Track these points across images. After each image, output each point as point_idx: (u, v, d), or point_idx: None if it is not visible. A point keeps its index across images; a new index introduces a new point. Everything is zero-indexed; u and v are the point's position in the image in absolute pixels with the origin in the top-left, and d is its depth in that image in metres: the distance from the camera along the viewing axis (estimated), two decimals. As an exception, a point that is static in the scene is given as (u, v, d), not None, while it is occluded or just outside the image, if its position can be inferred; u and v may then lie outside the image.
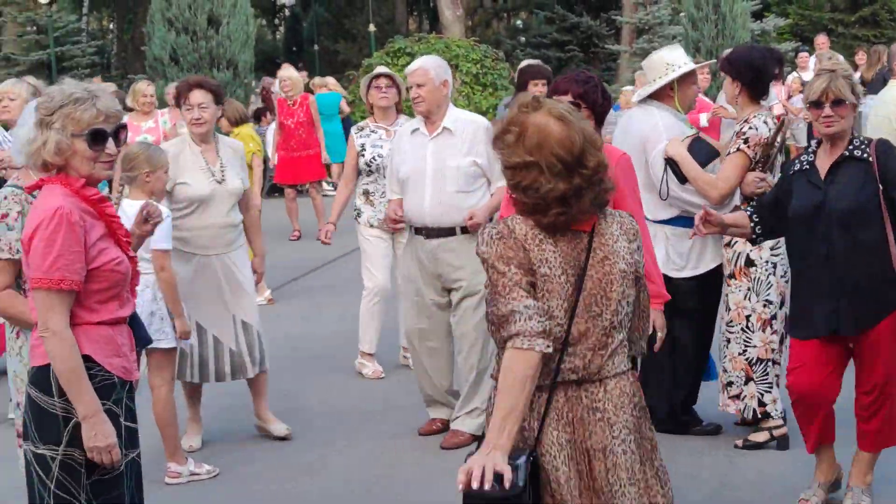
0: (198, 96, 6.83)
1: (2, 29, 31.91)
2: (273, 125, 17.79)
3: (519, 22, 43.48)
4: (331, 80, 21.42)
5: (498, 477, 3.33)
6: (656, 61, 6.83)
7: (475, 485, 3.30)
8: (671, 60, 6.76)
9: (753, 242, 5.85)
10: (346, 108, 19.30)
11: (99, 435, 3.90)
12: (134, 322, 4.29)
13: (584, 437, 3.58)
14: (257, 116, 20.23)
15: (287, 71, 16.10)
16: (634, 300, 3.67)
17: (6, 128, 7.94)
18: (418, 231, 6.89)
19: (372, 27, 32.68)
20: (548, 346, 3.43)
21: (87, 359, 3.95)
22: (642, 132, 6.73)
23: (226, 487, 6.50)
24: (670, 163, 6.54)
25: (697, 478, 6.27)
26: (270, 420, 7.23)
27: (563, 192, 3.48)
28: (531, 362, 3.42)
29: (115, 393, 4.04)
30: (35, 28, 30.02)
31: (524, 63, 10.79)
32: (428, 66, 6.94)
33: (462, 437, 6.83)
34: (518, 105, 3.59)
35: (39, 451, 3.99)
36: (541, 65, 10.46)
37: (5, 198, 4.50)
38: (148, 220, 4.64)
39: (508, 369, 3.43)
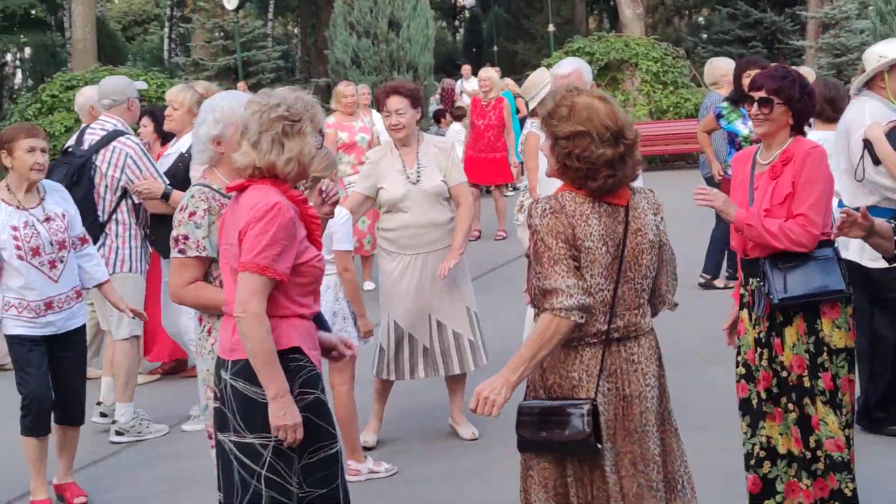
0: (395, 102, 6.92)
1: (191, 35, 32.92)
2: (453, 126, 17.90)
3: (700, 19, 42.87)
4: (508, 80, 21.45)
5: (562, 422, 4.03)
6: (870, 53, 6.78)
7: (480, 410, 3.96)
8: (883, 52, 6.69)
9: (890, 262, 5.06)
10: (523, 108, 19.31)
11: (287, 414, 4.04)
12: (319, 320, 4.43)
13: (624, 386, 4.14)
14: (437, 118, 20.39)
15: (488, 71, 16.23)
16: (657, 263, 4.22)
17: (166, 137, 8.08)
18: None
19: (551, 27, 32.63)
20: (582, 318, 3.98)
21: (296, 350, 4.16)
22: (849, 119, 6.70)
23: (400, 488, 6.54)
24: (868, 144, 6.43)
25: (882, 483, 5.99)
26: (460, 421, 7.28)
27: (610, 157, 4.02)
28: (563, 329, 3.98)
29: (320, 384, 4.25)
30: (223, 34, 30.88)
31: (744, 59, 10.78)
32: (582, 70, 7.11)
33: None
34: (565, 90, 4.16)
35: (247, 441, 4.12)
36: (758, 58, 10.49)
37: (193, 196, 4.60)
38: (325, 200, 4.73)
39: (544, 328, 3.98)
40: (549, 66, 20.58)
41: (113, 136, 7.53)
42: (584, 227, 4.02)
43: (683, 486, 4.26)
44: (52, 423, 6.39)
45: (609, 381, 4.11)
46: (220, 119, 4.59)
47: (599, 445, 4.04)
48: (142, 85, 8.93)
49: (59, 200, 6.37)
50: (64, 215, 6.31)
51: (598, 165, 4.02)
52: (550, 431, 4.05)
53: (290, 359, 4.13)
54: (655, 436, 4.18)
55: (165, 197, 7.46)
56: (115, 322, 7.63)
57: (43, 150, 6.16)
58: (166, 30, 38.31)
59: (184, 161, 7.68)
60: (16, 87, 40.10)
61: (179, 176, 7.66)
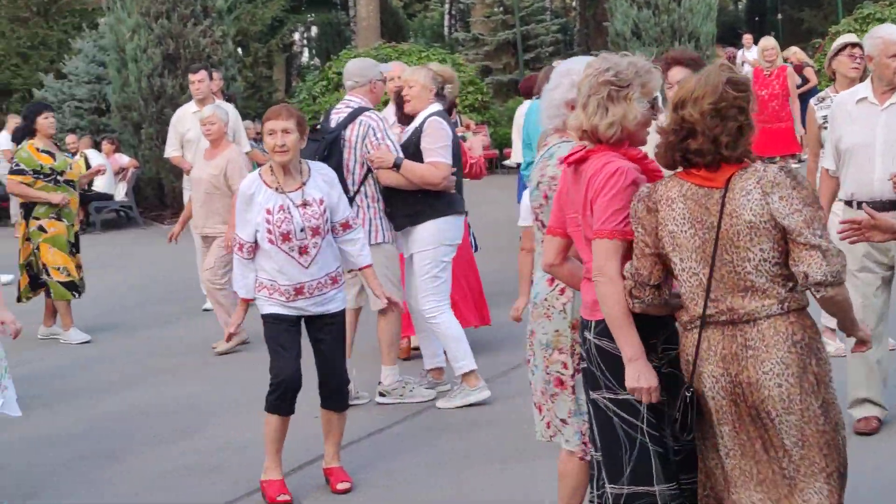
0: (676, 73, 6.72)
1: (470, 10, 33.26)
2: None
3: None
4: (794, 49, 20.70)
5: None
6: None
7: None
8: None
9: None
10: (813, 77, 18.61)
11: (642, 377, 4.14)
12: None
13: (738, 371, 4.03)
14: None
15: (770, 40, 15.87)
16: (777, 247, 3.97)
17: (407, 118, 8.14)
18: (861, 205, 6.49)
19: (839, -8, 31.33)
20: (639, 303, 4.15)
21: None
22: None
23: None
24: None
25: None
26: None
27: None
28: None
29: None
30: (502, 8, 31.04)
31: None
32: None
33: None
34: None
35: (622, 397, 4.27)
36: None
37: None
38: None
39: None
40: (837, 33, 19.78)
41: (358, 112, 7.82)
42: (667, 212, 4.08)
43: (826, 483, 4.03)
44: (319, 406, 6.38)
45: (720, 365, 4.06)
46: (576, 83, 4.55)
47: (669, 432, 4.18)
48: (387, 67, 9.09)
49: (322, 185, 6.23)
50: (322, 201, 6.18)
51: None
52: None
53: (655, 315, 4.27)
54: (792, 425, 4.00)
55: (396, 166, 7.67)
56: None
57: (285, 132, 6.03)
58: (447, 6, 38.76)
59: (416, 134, 7.86)
60: (303, 65, 41.47)
61: (411, 148, 7.82)
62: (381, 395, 8.00)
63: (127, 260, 15.87)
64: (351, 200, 7.67)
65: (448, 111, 8.24)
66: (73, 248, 10.60)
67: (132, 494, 6.62)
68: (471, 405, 7.72)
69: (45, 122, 10.51)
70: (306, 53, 42.87)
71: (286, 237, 6.10)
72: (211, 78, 11.70)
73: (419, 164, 7.71)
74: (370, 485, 6.46)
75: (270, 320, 6.20)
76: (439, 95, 8.00)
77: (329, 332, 6.27)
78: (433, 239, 7.75)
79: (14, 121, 17.73)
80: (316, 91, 23.99)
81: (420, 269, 7.81)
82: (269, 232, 6.09)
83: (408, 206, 7.80)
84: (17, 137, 13.68)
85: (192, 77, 11.46)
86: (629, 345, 4.16)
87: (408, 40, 31.14)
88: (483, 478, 6.42)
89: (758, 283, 4.00)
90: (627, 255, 4.23)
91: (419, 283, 7.84)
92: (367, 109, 7.87)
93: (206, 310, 11.38)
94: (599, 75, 4.28)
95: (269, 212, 6.10)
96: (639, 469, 4.25)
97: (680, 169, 4.15)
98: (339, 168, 7.62)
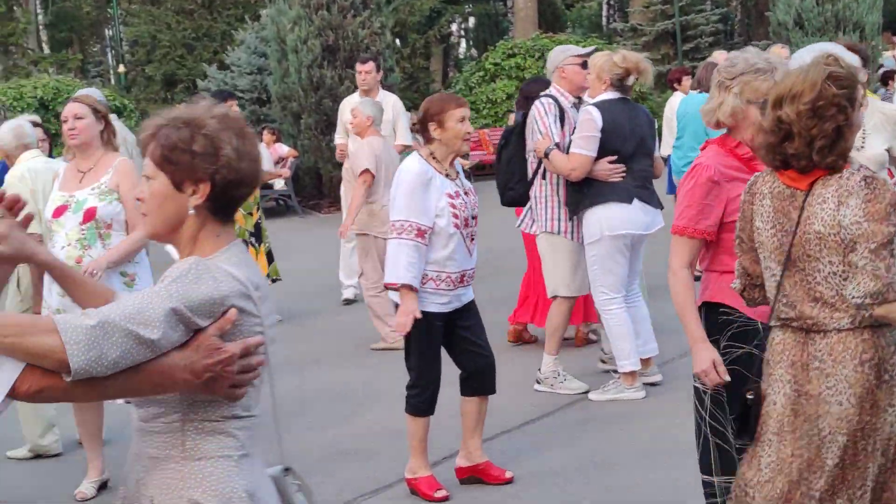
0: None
1: (629, 0, 32.98)
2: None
3: None
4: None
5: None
6: None
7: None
8: None
9: None
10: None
11: (697, 361, 4.35)
12: None
13: (805, 381, 3.89)
14: (885, 79, 19.36)
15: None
16: (847, 261, 3.76)
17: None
18: None
19: None
20: (751, 303, 4.16)
21: (725, 304, 4.46)
22: None
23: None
24: None
25: None
26: None
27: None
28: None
29: (757, 338, 4.37)
30: (661, -1, 30.70)
31: None
32: None
33: None
34: None
35: (695, 385, 4.56)
36: None
37: None
38: None
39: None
40: None
41: (534, 99, 7.95)
42: (758, 207, 4.02)
43: None
44: (464, 398, 6.32)
45: (789, 371, 3.94)
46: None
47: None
48: (576, 49, 9.01)
49: (465, 179, 6.31)
50: (471, 192, 6.27)
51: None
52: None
53: (720, 312, 4.46)
54: (841, 446, 3.82)
55: (546, 155, 7.67)
56: (549, 280, 8.05)
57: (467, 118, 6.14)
58: (605, -4, 38.62)
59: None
60: (460, 55, 41.68)
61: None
62: (538, 381, 8.04)
63: (285, 248, 16.15)
64: (527, 186, 7.77)
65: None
66: (253, 238, 10.75)
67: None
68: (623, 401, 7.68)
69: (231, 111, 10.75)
70: (463, 44, 43.07)
71: (466, 223, 6.12)
72: (379, 70, 11.71)
73: (560, 154, 7.64)
74: (521, 478, 6.43)
75: (430, 320, 6.05)
76: (620, 85, 7.69)
77: (473, 316, 6.29)
78: (596, 228, 7.67)
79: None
80: (473, 81, 24.10)
81: (588, 259, 7.77)
82: (456, 217, 6.06)
83: (572, 194, 7.77)
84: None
85: (359, 67, 11.43)
86: (688, 332, 4.41)
87: (565, 30, 31.04)
88: (629, 477, 6.38)
89: (827, 296, 3.83)
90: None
91: (589, 273, 7.82)
92: (545, 96, 7.89)
93: (346, 300, 11.51)
94: (722, 68, 4.63)
95: (450, 196, 6.07)
96: (703, 458, 4.55)
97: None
98: (515, 155, 7.79)
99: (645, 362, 7.95)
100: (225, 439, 2.85)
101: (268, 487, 3.00)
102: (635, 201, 7.59)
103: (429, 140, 6.15)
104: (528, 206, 8.10)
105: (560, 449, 6.88)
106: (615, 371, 7.90)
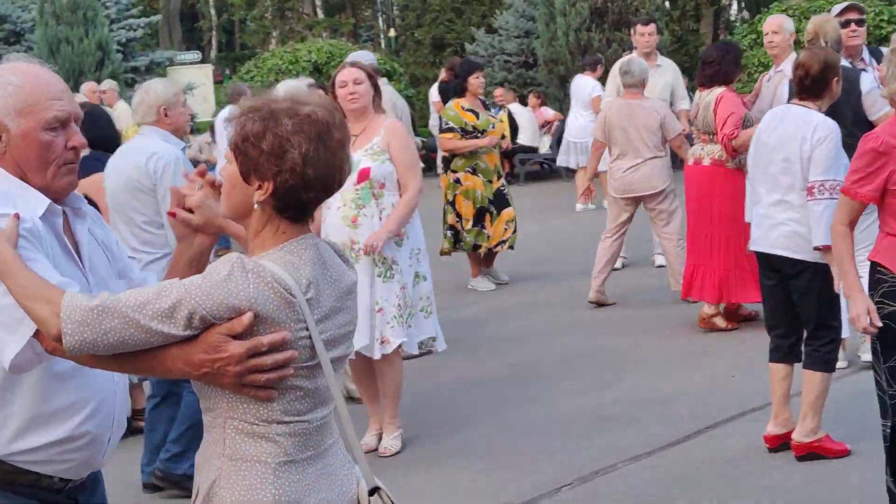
0: None
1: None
2: None
3: None
4: None
5: None
6: None
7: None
8: None
9: None
10: None
11: (851, 307, 4.67)
12: None
13: None
14: None
15: None
16: None
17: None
18: None
19: None
20: None
21: (882, 266, 4.65)
22: None
23: None
24: None
25: None
26: None
27: None
28: None
29: None
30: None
31: None
32: None
33: None
34: None
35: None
36: None
37: None
38: None
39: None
40: None
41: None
42: None
43: None
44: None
45: None
46: None
47: None
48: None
49: None
50: None
51: None
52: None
53: (876, 270, 4.67)
54: None
55: None
56: None
57: None
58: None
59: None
60: (731, 18, 40.70)
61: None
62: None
63: (549, 212, 16.18)
64: None
65: None
66: (493, 205, 10.77)
67: (544, 438, 6.79)
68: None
69: (476, 81, 10.83)
70: (735, 6, 42.01)
71: None
72: (660, 32, 11.37)
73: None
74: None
75: None
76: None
77: None
78: None
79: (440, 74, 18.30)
80: (744, 45, 23.49)
81: None
82: None
83: None
84: (443, 90, 14.11)
85: (641, 29, 11.14)
86: (847, 282, 4.71)
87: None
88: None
89: None
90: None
91: None
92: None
93: (660, 266, 11.24)
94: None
95: None
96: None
97: None
98: None
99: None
100: (265, 444, 2.74)
101: (326, 496, 2.81)
102: None
103: (821, 97, 5.97)
104: None
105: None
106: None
